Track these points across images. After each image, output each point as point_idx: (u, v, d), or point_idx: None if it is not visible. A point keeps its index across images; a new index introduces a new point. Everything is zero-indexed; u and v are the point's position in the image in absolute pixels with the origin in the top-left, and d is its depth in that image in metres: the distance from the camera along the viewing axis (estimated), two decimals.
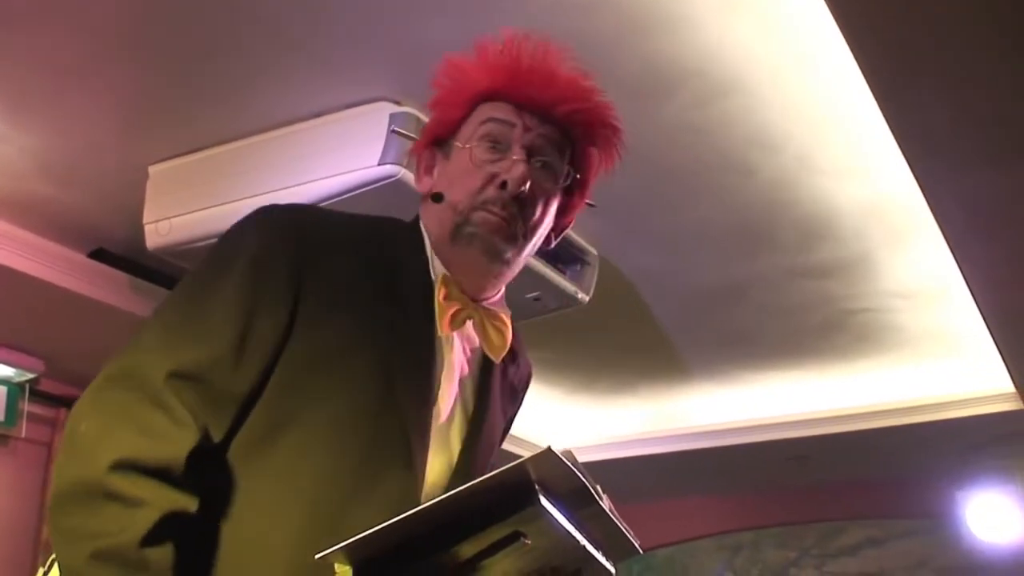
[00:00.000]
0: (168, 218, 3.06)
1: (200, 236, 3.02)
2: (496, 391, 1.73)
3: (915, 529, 7.24)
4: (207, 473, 1.43)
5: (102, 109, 2.85)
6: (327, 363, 1.50)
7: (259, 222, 1.58)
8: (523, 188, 1.58)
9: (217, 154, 3.03)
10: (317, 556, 1.29)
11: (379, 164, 2.78)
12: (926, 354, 4.69)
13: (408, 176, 2.79)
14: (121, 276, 3.68)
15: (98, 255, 3.59)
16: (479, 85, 1.64)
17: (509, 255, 1.63)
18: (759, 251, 3.73)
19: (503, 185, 1.58)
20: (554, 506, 1.33)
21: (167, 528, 1.35)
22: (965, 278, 3.61)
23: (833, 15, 2.32)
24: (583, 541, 1.42)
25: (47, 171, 3.13)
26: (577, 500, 1.40)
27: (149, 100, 2.84)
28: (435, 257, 1.63)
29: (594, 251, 3.61)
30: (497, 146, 1.61)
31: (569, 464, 1.33)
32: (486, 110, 1.64)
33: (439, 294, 1.59)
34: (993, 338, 4.13)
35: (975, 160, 2.87)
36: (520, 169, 1.58)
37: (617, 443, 5.75)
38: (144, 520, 1.34)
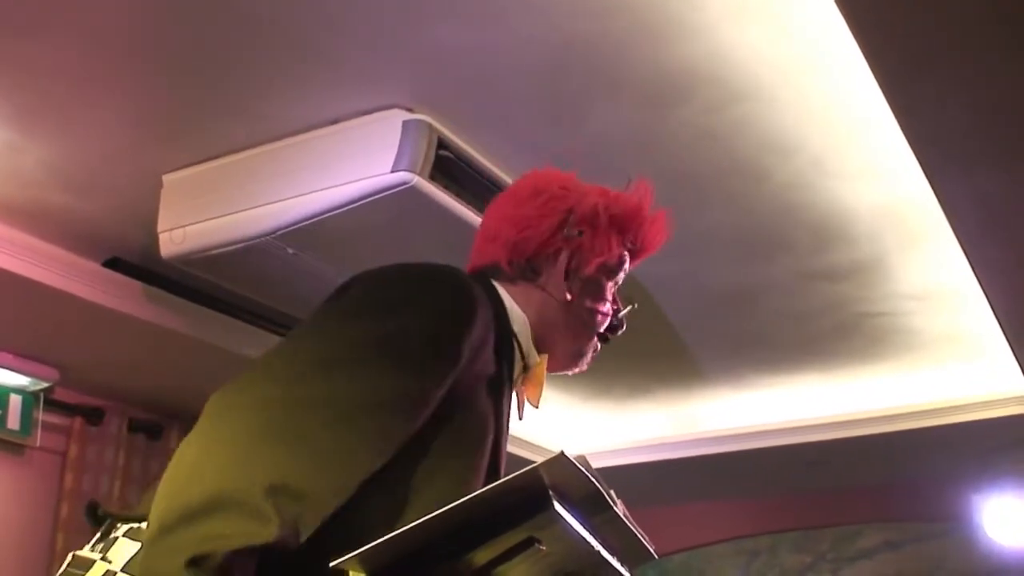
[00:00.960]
0: (183, 226, 3.06)
1: (215, 244, 3.03)
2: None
3: (932, 533, 7.22)
4: None
5: (116, 118, 2.86)
6: (462, 432, 1.57)
7: (438, 286, 1.60)
8: None
9: (231, 162, 3.03)
10: (332, 564, 1.29)
11: (392, 171, 2.78)
12: (941, 357, 4.68)
13: (421, 183, 2.80)
14: (136, 285, 3.69)
15: (113, 264, 3.60)
16: (648, 249, 1.97)
17: None
18: (773, 255, 3.72)
19: (620, 326, 1.94)
20: (568, 511, 1.33)
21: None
22: (979, 280, 3.60)
23: (845, 18, 2.32)
24: (598, 547, 1.42)
25: (62, 180, 3.15)
26: (591, 505, 1.40)
27: (163, 109, 2.85)
28: (531, 335, 1.82)
29: None
30: (616, 283, 1.92)
31: (582, 469, 1.33)
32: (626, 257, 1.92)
33: (543, 375, 1.83)
34: (1008, 341, 4.11)
35: (989, 162, 2.87)
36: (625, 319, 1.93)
37: (633, 448, 5.75)
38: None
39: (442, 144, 2.87)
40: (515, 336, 1.77)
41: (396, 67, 2.71)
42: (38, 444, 4.17)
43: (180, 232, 3.07)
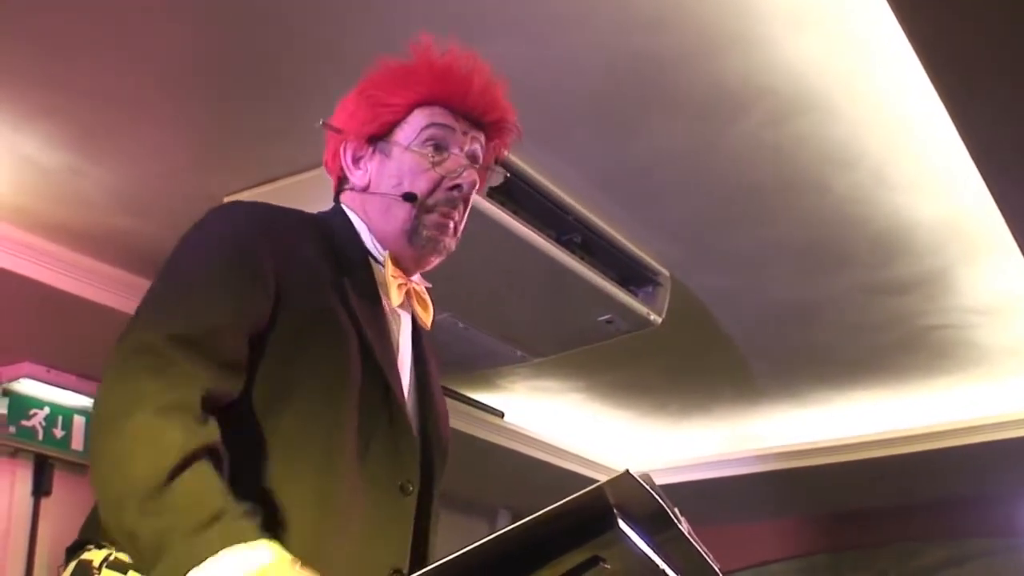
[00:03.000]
0: None
1: None
2: (430, 357, 1.88)
3: (995, 549, 7.11)
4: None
5: (176, 141, 2.89)
6: (313, 336, 1.59)
7: (230, 212, 1.74)
8: (471, 191, 1.79)
9: (290, 184, 3.05)
10: None
11: None
12: (1005, 370, 4.61)
13: (480, 201, 2.80)
14: None
15: None
16: (421, 91, 1.79)
17: (451, 248, 1.82)
18: (834, 268, 3.69)
19: (455, 187, 1.76)
20: (632, 530, 1.32)
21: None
22: None
23: (904, 30, 2.30)
24: (662, 565, 1.41)
25: (122, 203, 3.18)
26: (656, 524, 1.39)
27: (223, 131, 2.88)
28: (374, 240, 1.78)
29: (666, 272, 3.60)
30: (439, 149, 1.77)
31: (647, 487, 1.32)
32: (425, 115, 1.78)
33: (388, 271, 1.74)
34: None
35: None
36: (472, 175, 1.78)
37: (690, 465, 5.72)
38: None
39: (499, 163, 2.87)
40: (368, 252, 1.78)
41: None
42: None
43: None
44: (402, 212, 1.76)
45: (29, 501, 4.04)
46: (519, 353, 3.94)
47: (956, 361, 4.51)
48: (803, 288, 3.84)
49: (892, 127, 2.87)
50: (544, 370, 4.53)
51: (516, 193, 2.98)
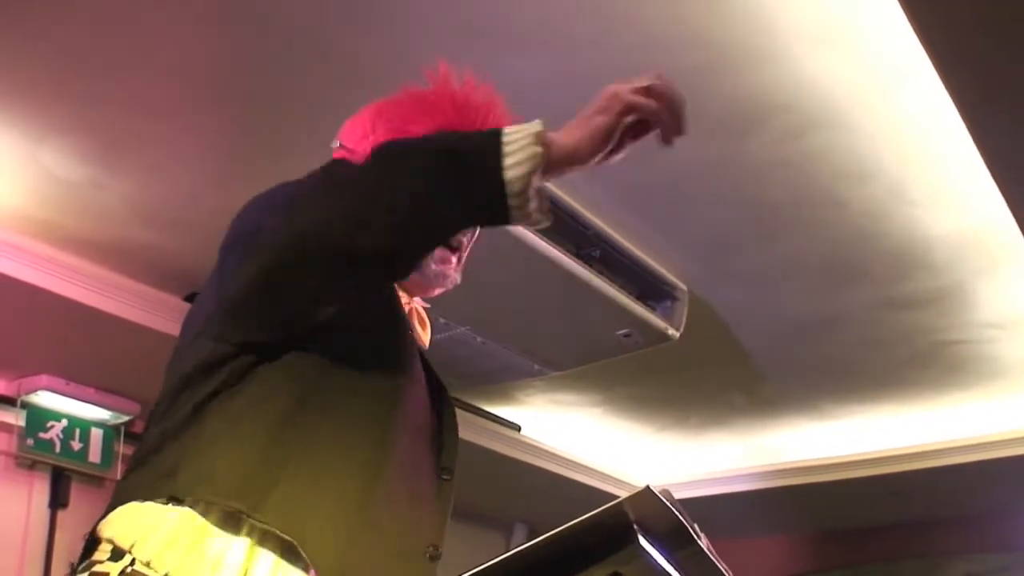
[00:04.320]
0: None
1: None
2: None
3: (1014, 563, 7.08)
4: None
5: (199, 154, 2.91)
6: (382, 326, 1.66)
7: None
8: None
9: None
10: None
11: None
12: (1022, 385, 4.59)
13: None
14: None
15: (194, 299, 3.64)
16: (440, 123, 1.82)
17: (456, 281, 1.87)
18: (851, 283, 3.68)
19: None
20: (652, 546, 1.32)
21: None
22: None
23: (922, 43, 2.30)
24: None
25: (144, 216, 3.19)
26: (675, 540, 1.39)
27: (246, 145, 2.88)
28: None
29: (683, 287, 3.60)
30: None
31: (667, 503, 1.33)
32: None
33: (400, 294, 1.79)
34: None
35: None
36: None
37: (708, 480, 5.71)
38: None
39: None
40: None
41: None
42: (119, 477, 4.21)
43: None
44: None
45: (46, 513, 4.06)
46: (536, 367, 3.95)
47: (973, 376, 4.49)
48: (820, 303, 3.84)
49: (909, 141, 2.87)
50: (561, 384, 4.52)
51: None
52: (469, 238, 1.87)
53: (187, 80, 2.62)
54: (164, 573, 1.42)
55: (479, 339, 3.59)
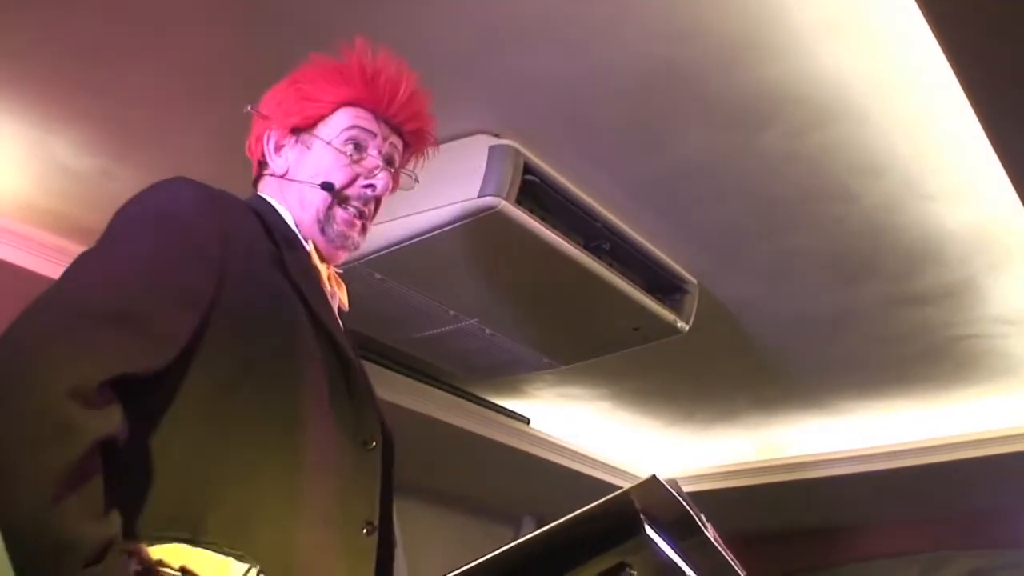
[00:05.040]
0: None
1: None
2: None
3: (1022, 560, 7.06)
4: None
5: (206, 145, 2.91)
6: (262, 309, 1.65)
7: (172, 187, 1.75)
8: (384, 192, 1.91)
9: None
10: None
11: (479, 196, 2.80)
12: None
13: (508, 207, 2.81)
14: None
15: None
16: (349, 93, 1.91)
17: (359, 244, 1.92)
18: (862, 278, 3.67)
19: (369, 186, 1.90)
20: (659, 535, 1.32)
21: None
22: None
23: (935, 36, 2.29)
24: (689, 572, 1.41)
25: None
26: (681, 529, 1.39)
27: None
28: (295, 225, 1.88)
29: (693, 280, 3.60)
30: (358, 149, 1.90)
31: (674, 492, 1.32)
32: (350, 115, 1.92)
33: (314, 254, 1.85)
34: None
35: None
36: (385, 176, 1.91)
37: (716, 474, 5.70)
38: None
39: (528, 169, 2.88)
40: (296, 233, 1.86)
41: (482, 93, 2.72)
42: None
43: None
44: (317, 200, 1.87)
45: None
46: (545, 360, 3.94)
47: (985, 371, 4.48)
48: (831, 297, 3.83)
49: (923, 135, 2.86)
50: (570, 377, 4.52)
51: (545, 199, 2.99)
52: (377, 206, 1.94)
53: (196, 72, 2.63)
54: None
55: (488, 332, 3.59)
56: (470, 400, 4.67)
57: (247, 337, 1.60)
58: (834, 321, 4.02)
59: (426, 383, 4.39)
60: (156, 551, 1.42)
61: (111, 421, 1.37)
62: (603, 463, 5.41)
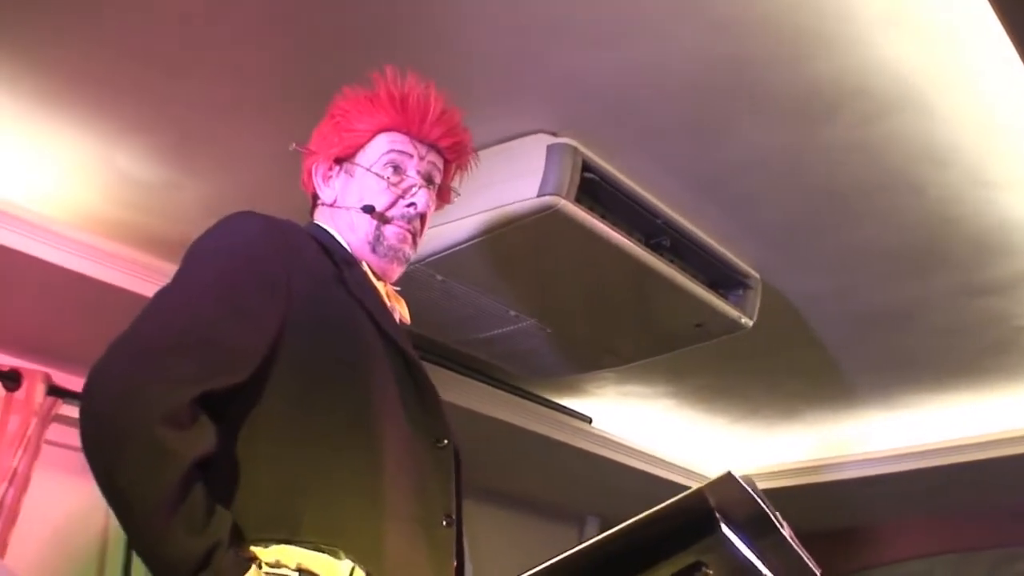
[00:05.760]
0: None
1: None
2: None
3: None
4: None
5: (269, 152, 2.91)
6: (330, 327, 1.79)
7: (240, 221, 1.90)
8: (426, 209, 2.04)
9: None
10: None
11: (538, 195, 2.79)
12: None
13: (567, 206, 2.80)
14: None
15: None
16: (380, 119, 2.06)
17: (410, 256, 2.07)
18: (929, 270, 3.63)
19: (411, 205, 2.02)
20: (734, 534, 1.31)
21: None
22: None
23: (1000, 21, 2.26)
24: (765, 571, 1.39)
25: (217, 216, 3.19)
26: (757, 528, 1.38)
27: None
28: (350, 248, 2.02)
29: (756, 275, 3.57)
30: (397, 171, 2.05)
31: (749, 490, 1.31)
32: (386, 140, 2.06)
33: (371, 276, 1.98)
34: None
35: None
36: (425, 194, 2.04)
37: (783, 471, 5.66)
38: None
39: (587, 167, 2.87)
40: (351, 254, 2.01)
41: (538, 92, 2.72)
42: None
43: None
44: (364, 223, 2.01)
45: None
46: (606, 358, 3.93)
47: None
48: (896, 290, 3.78)
49: (988, 123, 2.81)
50: (632, 375, 4.51)
51: (604, 197, 2.97)
52: (423, 221, 2.07)
53: (256, 79, 2.64)
54: None
55: (548, 331, 3.58)
56: (531, 400, 4.67)
57: (318, 349, 1.75)
58: (901, 315, 3.97)
59: (487, 383, 4.40)
60: (270, 552, 1.56)
61: (204, 438, 1.55)
62: (667, 462, 5.38)
